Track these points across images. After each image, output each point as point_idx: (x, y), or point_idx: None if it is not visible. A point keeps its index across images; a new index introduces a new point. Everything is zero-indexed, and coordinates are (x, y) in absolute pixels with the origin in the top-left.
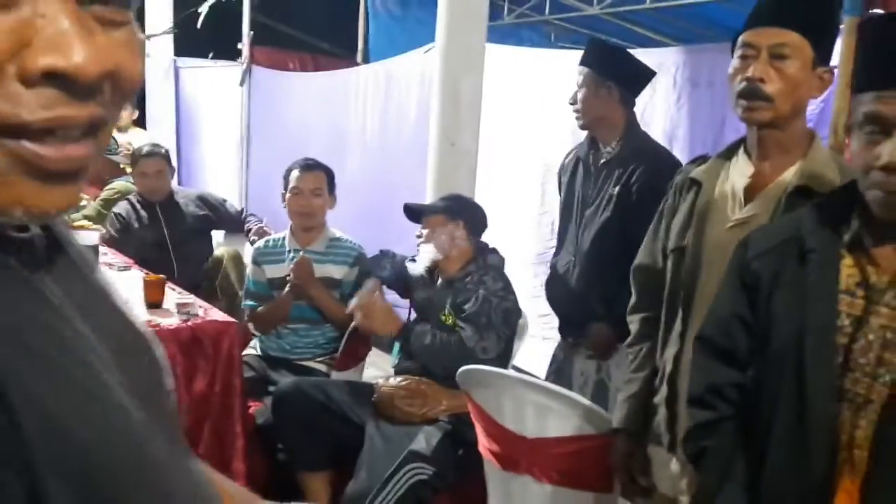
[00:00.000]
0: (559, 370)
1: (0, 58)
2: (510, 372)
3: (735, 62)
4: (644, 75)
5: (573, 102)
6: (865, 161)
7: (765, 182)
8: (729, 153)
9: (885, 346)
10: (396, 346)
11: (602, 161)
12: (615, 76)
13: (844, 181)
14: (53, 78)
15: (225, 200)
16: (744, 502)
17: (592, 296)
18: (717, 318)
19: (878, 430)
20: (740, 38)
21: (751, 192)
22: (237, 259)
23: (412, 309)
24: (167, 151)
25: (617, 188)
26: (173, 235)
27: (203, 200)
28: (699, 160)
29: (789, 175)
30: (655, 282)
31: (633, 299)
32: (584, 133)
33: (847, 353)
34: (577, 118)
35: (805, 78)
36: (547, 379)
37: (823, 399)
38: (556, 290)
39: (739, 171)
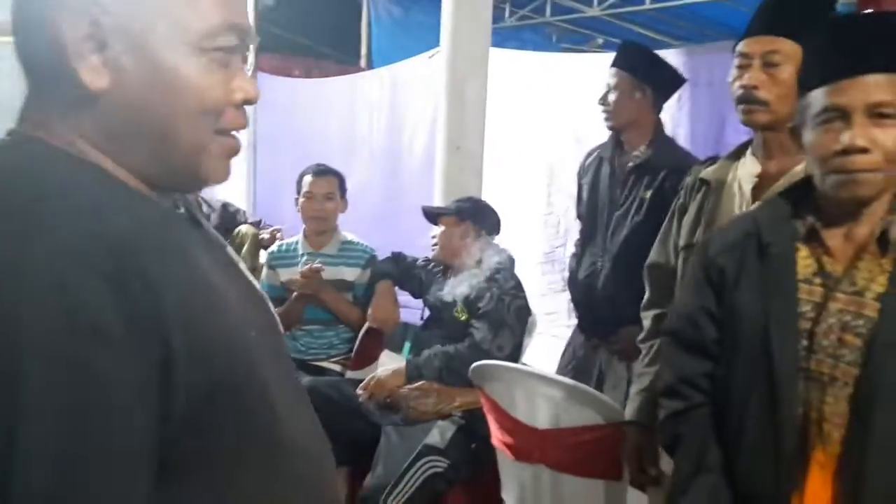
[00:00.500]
0: (579, 367)
1: (224, 94)
2: (521, 366)
3: (733, 71)
4: (677, 81)
5: (603, 103)
6: (825, 148)
7: (771, 181)
8: (737, 154)
9: (844, 329)
10: (407, 345)
11: (630, 164)
12: (651, 80)
13: None
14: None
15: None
16: (719, 487)
17: (623, 298)
18: (684, 312)
19: (850, 405)
20: (737, 49)
21: (758, 191)
22: (254, 237)
23: (425, 308)
24: None
25: (649, 192)
26: None
27: (224, 209)
28: (709, 161)
29: (794, 173)
30: (668, 279)
31: (646, 296)
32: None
33: (811, 337)
34: (607, 119)
35: None
36: (562, 375)
37: (791, 382)
38: (581, 291)
39: (747, 171)
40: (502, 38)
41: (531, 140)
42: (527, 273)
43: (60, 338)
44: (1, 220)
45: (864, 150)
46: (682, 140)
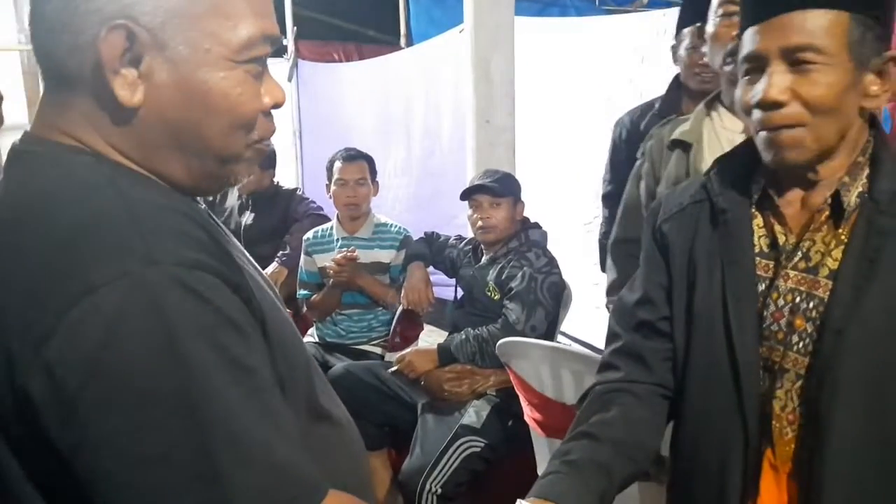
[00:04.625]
0: None
1: (258, 105)
2: (544, 342)
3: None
4: None
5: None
6: (745, 103)
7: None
8: (707, 108)
9: (794, 311)
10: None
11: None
12: None
13: None
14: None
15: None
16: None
17: None
18: (641, 286)
19: (801, 401)
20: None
21: None
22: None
23: (458, 287)
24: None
25: None
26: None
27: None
28: (666, 121)
29: None
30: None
31: (612, 277)
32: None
33: (759, 320)
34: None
35: None
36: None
37: (752, 369)
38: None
39: (727, 128)
40: (544, 4)
41: (563, 108)
42: (566, 244)
43: (217, 337)
44: (98, 241)
45: (778, 104)
46: None
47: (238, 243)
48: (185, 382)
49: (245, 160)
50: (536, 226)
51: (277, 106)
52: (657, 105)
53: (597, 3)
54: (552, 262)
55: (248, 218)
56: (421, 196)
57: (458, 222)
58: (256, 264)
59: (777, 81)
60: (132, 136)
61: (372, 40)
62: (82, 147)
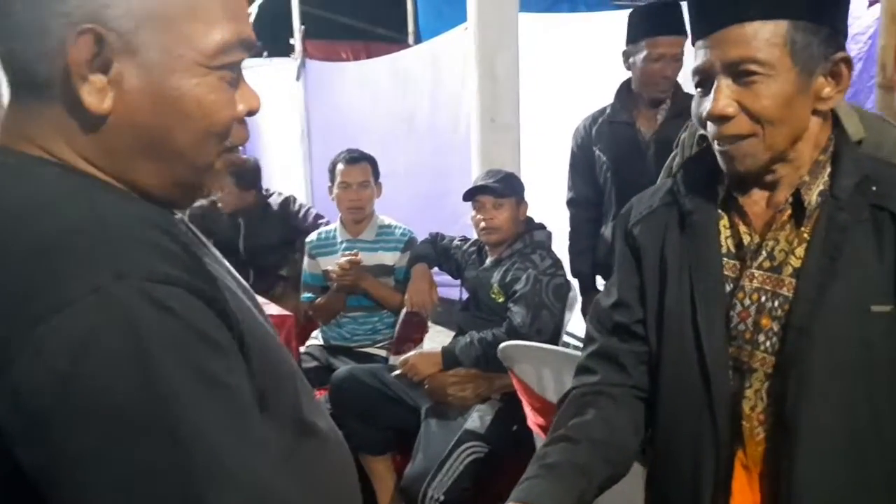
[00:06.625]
0: None
1: (232, 112)
2: (546, 345)
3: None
4: None
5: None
6: (698, 116)
7: None
8: None
9: (760, 311)
10: None
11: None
12: None
13: (866, 127)
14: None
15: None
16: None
17: None
18: (616, 290)
19: (769, 400)
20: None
21: None
22: None
23: (463, 289)
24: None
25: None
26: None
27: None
28: None
29: None
30: None
31: None
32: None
33: (727, 320)
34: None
35: None
36: None
37: (722, 371)
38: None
39: None
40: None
41: (568, 107)
42: None
43: (191, 354)
44: (67, 255)
45: (725, 118)
46: None
47: (218, 254)
48: (159, 402)
49: (218, 172)
50: (541, 226)
51: (252, 113)
52: (608, 111)
53: None
54: (557, 264)
55: (243, 233)
56: (429, 195)
57: (465, 221)
58: (238, 276)
59: (723, 95)
60: (102, 145)
61: (380, 38)
62: (50, 157)
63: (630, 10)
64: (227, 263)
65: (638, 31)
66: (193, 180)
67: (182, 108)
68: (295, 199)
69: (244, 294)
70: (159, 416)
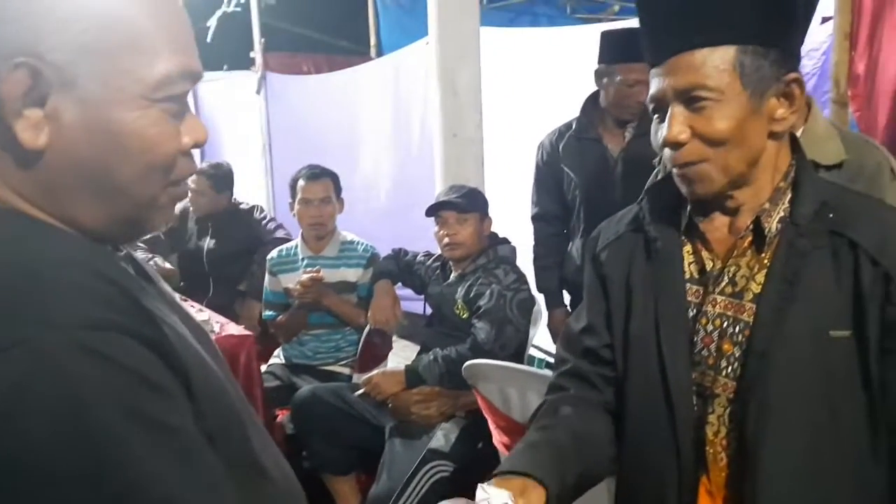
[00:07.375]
0: None
1: (175, 146)
2: (510, 364)
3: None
4: None
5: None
6: (656, 142)
7: None
8: None
9: (722, 336)
10: None
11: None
12: None
13: (847, 148)
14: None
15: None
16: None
17: None
18: (585, 314)
19: (730, 426)
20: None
21: None
22: None
23: (427, 304)
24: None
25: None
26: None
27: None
28: None
29: None
30: None
31: None
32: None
33: (690, 346)
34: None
35: None
36: None
37: (685, 396)
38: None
39: None
40: (515, 13)
41: (533, 121)
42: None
43: (129, 398)
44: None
45: (679, 143)
46: None
47: (166, 288)
48: (96, 455)
49: (163, 207)
50: (505, 241)
51: (198, 146)
52: (574, 126)
53: (568, 11)
54: (521, 279)
55: (209, 242)
56: (392, 210)
57: (429, 235)
58: (188, 311)
59: (676, 122)
60: (39, 182)
61: (342, 51)
62: None
63: (603, 30)
64: (176, 297)
65: (613, 54)
66: (136, 216)
67: (123, 142)
68: (261, 209)
69: (192, 331)
70: (96, 464)
